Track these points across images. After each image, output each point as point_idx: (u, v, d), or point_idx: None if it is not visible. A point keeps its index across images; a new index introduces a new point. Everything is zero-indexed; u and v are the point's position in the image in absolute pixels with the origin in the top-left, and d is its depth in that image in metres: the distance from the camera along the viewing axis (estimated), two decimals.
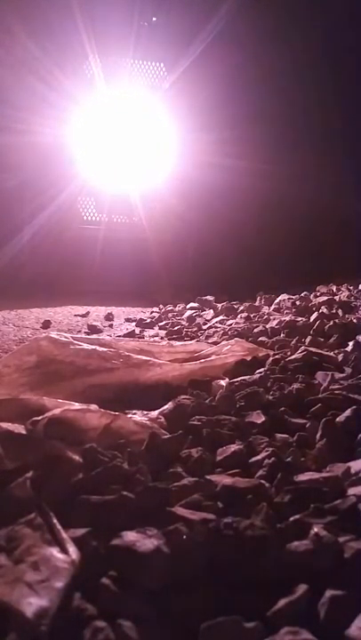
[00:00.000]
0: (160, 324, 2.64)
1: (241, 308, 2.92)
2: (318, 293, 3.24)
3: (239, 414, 1.19)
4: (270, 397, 1.29)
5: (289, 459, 0.96)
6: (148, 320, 2.74)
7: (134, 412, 1.22)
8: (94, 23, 3.81)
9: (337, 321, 2.14)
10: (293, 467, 0.93)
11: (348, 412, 1.12)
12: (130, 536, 0.68)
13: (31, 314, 2.82)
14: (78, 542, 0.67)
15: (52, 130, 3.79)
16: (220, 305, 3.03)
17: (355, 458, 0.98)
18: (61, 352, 1.43)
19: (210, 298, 3.19)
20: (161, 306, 3.23)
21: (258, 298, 3.23)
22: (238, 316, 2.64)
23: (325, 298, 2.90)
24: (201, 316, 2.77)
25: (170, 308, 3.13)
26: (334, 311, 2.47)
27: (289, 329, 2.10)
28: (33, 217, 3.88)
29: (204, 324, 2.54)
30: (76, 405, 1.11)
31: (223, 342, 1.80)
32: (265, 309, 2.83)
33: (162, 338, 2.27)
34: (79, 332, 2.44)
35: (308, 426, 1.12)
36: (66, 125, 3.86)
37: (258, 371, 1.54)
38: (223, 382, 1.42)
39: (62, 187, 3.90)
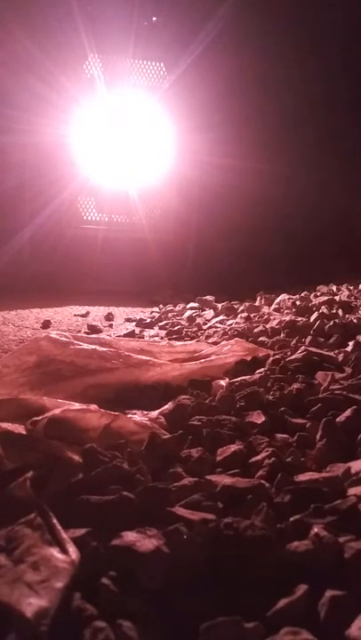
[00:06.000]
0: (160, 323, 2.63)
1: (241, 307, 2.92)
2: (318, 293, 3.24)
3: (239, 414, 1.19)
4: (270, 397, 1.29)
5: (289, 459, 0.96)
6: (148, 320, 2.74)
7: (134, 411, 1.22)
8: (94, 23, 3.81)
9: (337, 321, 2.14)
10: (293, 467, 0.93)
11: (348, 412, 1.12)
12: (130, 536, 0.68)
13: (31, 314, 2.81)
14: (78, 542, 0.67)
15: (52, 130, 3.78)
16: (220, 305, 3.03)
17: (355, 458, 0.98)
18: (61, 352, 1.43)
19: (210, 298, 3.19)
20: (161, 306, 3.23)
21: (258, 298, 3.23)
22: (238, 316, 2.64)
23: (325, 298, 2.90)
24: (201, 316, 2.77)
25: (170, 307, 3.13)
26: (334, 311, 2.47)
27: (289, 329, 2.10)
28: (33, 217, 3.88)
29: (204, 323, 2.54)
30: (76, 405, 1.11)
31: (223, 342, 1.80)
32: (265, 309, 2.83)
33: (162, 338, 2.27)
34: (79, 331, 2.44)
35: (308, 426, 1.12)
36: (66, 125, 3.86)
37: (258, 371, 1.54)
38: (223, 382, 1.43)
39: (62, 186, 3.90)
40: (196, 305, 3.11)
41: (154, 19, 3.99)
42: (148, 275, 4.02)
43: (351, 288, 3.35)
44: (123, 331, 2.46)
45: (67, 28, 3.74)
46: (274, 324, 2.25)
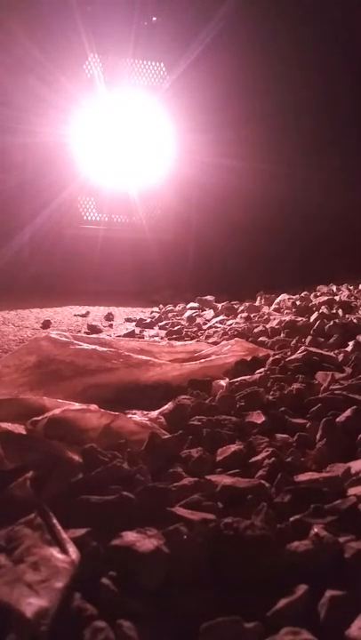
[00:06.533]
0: (160, 323, 2.63)
1: (241, 307, 2.92)
2: (318, 293, 3.24)
3: (239, 414, 1.19)
4: (270, 397, 1.29)
5: (289, 459, 0.96)
6: (148, 320, 2.74)
7: (134, 411, 1.22)
8: (94, 23, 3.81)
9: (337, 321, 2.14)
10: (293, 467, 0.93)
11: (348, 412, 1.12)
12: (130, 536, 0.68)
13: (31, 314, 2.82)
14: (78, 542, 0.67)
15: (53, 130, 3.78)
16: (220, 305, 3.03)
17: (355, 458, 0.98)
18: (61, 352, 1.43)
19: (210, 298, 3.19)
20: (161, 306, 3.23)
21: (258, 298, 3.23)
22: (238, 316, 2.64)
23: (325, 298, 2.90)
24: (201, 316, 2.77)
25: (170, 307, 3.13)
26: (334, 311, 2.47)
27: (289, 329, 2.10)
28: (33, 217, 3.88)
29: (204, 323, 2.54)
30: (76, 405, 1.11)
31: (223, 342, 1.80)
32: (265, 309, 2.83)
33: (162, 338, 2.27)
34: (79, 331, 2.44)
35: (308, 426, 1.12)
36: (66, 125, 3.86)
37: (258, 371, 1.54)
38: (223, 382, 1.43)
39: (63, 186, 3.90)
40: (196, 305, 3.12)
41: (154, 19, 4.00)
42: (148, 275, 4.02)
43: (351, 288, 3.35)
44: (123, 331, 2.45)
45: (67, 28, 3.74)
46: (274, 324, 2.25)
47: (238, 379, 1.46)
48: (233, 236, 4.19)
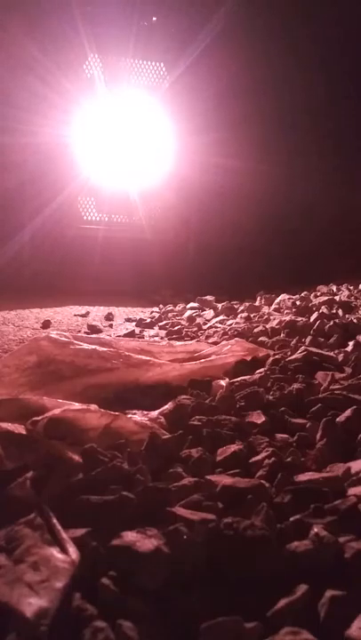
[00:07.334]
0: (160, 323, 2.63)
1: (241, 308, 2.92)
2: (318, 293, 3.24)
3: (239, 414, 1.20)
4: (270, 397, 1.29)
5: (289, 459, 0.96)
6: (148, 320, 2.74)
7: (134, 411, 1.22)
8: (94, 23, 3.81)
9: (337, 321, 2.14)
10: (293, 467, 0.93)
11: (348, 412, 1.12)
12: (130, 536, 0.68)
13: (31, 314, 2.81)
14: (78, 542, 0.67)
15: (53, 130, 3.78)
16: (220, 305, 3.03)
17: (355, 458, 0.98)
18: (61, 352, 1.43)
19: (210, 298, 3.19)
20: (161, 306, 3.23)
21: (258, 298, 3.23)
22: (238, 316, 2.64)
23: (325, 298, 2.90)
24: (201, 316, 2.77)
25: (170, 307, 3.13)
26: (334, 311, 2.47)
27: (289, 329, 2.10)
28: (33, 217, 3.88)
29: (204, 323, 2.54)
30: (76, 405, 1.11)
31: (223, 342, 1.80)
32: (265, 309, 2.83)
33: (162, 338, 2.27)
34: (79, 331, 2.43)
35: (308, 426, 1.12)
36: (66, 125, 3.86)
37: (258, 371, 1.54)
38: (223, 382, 1.43)
39: (63, 186, 3.90)
40: (196, 305, 3.11)
41: (154, 19, 3.99)
42: (148, 275, 4.02)
43: (351, 288, 3.34)
44: (123, 331, 2.45)
45: (67, 28, 3.74)
46: (274, 324, 2.25)
47: (238, 379, 1.46)
48: (233, 235, 4.19)
